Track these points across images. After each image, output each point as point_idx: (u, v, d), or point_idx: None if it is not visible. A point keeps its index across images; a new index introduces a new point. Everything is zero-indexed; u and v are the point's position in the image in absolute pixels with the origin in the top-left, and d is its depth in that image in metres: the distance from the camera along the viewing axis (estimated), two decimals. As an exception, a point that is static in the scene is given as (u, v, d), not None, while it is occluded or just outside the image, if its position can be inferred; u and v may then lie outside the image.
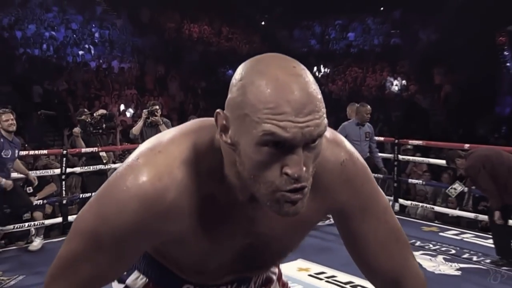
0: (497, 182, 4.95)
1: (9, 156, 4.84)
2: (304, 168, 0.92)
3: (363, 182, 1.17)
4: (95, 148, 6.58)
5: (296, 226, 1.15)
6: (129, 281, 1.31)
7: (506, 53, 16.27)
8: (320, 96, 0.94)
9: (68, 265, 1.09)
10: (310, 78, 0.94)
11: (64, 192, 6.12)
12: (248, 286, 1.34)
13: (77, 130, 6.67)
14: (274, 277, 1.45)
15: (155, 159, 1.03)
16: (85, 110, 7.52)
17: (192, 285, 1.27)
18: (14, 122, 4.92)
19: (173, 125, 6.93)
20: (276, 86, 0.90)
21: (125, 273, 1.29)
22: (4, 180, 5.07)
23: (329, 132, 1.12)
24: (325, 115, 0.94)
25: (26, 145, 7.94)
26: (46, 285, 1.12)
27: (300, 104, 0.89)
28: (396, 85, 16.49)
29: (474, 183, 5.51)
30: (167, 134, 1.11)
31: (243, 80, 0.93)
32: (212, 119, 1.01)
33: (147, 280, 1.29)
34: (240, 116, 0.92)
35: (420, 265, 1.42)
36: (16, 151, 5.00)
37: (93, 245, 1.05)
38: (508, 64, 16.14)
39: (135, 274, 1.30)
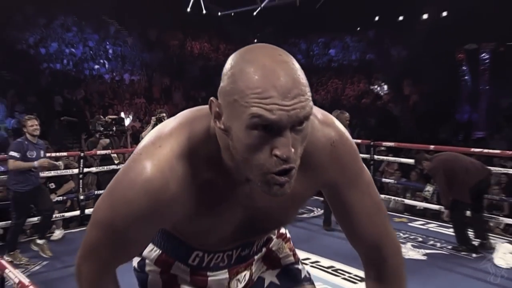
0: (456, 181, 5.00)
1: (34, 157, 4.81)
2: (293, 150, 0.89)
3: (350, 160, 1.14)
4: (108, 151, 6.63)
5: (291, 200, 1.12)
6: (145, 253, 1.31)
7: (464, 68, 16.38)
8: (305, 81, 0.90)
9: (91, 250, 1.11)
10: (296, 65, 0.91)
11: (81, 189, 6.14)
12: (251, 249, 1.34)
13: (103, 142, 6.75)
14: (274, 236, 1.44)
15: (156, 153, 1.00)
16: (100, 116, 7.55)
17: (201, 252, 1.26)
18: (38, 127, 4.90)
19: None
20: (263, 72, 0.87)
21: None
22: (36, 162, 5.03)
23: (320, 114, 1.11)
24: (310, 99, 0.90)
25: (49, 147, 7.90)
26: (77, 266, 1.15)
27: (286, 88, 0.86)
28: (376, 92, 16.59)
29: (435, 182, 5.66)
30: (166, 126, 1.08)
31: (232, 69, 0.90)
32: (207, 107, 0.99)
33: (160, 251, 1.29)
34: (231, 102, 0.89)
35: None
36: (41, 152, 4.96)
37: (108, 233, 1.05)
38: (466, 77, 16.26)
39: (150, 246, 1.30)
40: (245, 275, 1.37)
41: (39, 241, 4.96)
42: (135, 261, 1.35)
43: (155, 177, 0.98)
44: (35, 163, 4.87)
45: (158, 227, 1.12)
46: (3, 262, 2.28)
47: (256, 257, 1.39)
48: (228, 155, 0.99)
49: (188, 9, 18.31)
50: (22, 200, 4.90)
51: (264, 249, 1.42)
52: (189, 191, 1.02)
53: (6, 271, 2.17)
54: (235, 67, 0.90)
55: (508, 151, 6.75)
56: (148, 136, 1.06)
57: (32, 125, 4.80)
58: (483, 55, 16.03)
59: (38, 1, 15.47)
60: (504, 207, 6.53)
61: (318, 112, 1.11)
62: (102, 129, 6.93)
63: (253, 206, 1.11)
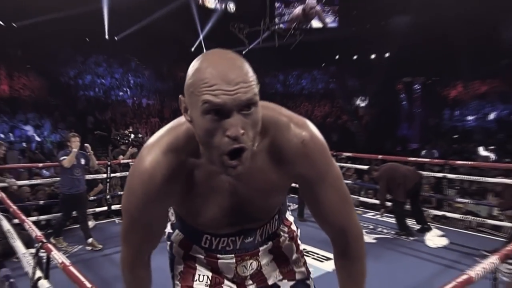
0: (395, 185, 5.06)
1: (75, 163, 4.69)
2: (242, 131, 0.83)
3: (319, 157, 1.03)
4: (130, 160, 6.47)
5: (268, 188, 1.06)
6: (172, 237, 1.28)
7: (402, 95, 16.55)
8: (249, 73, 0.86)
9: (123, 236, 1.11)
10: (242, 61, 0.87)
11: (108, 190, 6.07)
12: (254, 238, 1.22)
13: (132, 150, 6.69)
14: (284, 234, 1.31)
15: (151, 150, 0.99)
16: (120, 130, 7.46)
17: (209, 235, 1.18)
18: (79, 143, 4.78)
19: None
20: (211, 66, 0.84)
21: (171, 230, 1.28)
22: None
23: (295, 117, 1.04)
24: (253, 86, 0.85)
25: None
26: (121, 244, 1.14)
27: (229, 77, 0.82)
28: (337, 114, 16.66)
29: (379, 186, 5.59)
30: (160, 130, 1.05)
31: (190, 68, 0.88)
32: (190, 132, 0.96)
33: (183, 236, 1.25)
34: (189, 94, 0.86)
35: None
36: (82, 160, 4.82)
37: (128, 219, 1.06)
38: (403, 103, 16.41)
39: (176, 232, 1.26)
40: (251, 264, 1.25)
41: (89, 240, 4.75)
42: (167, 244, 1.32)
43: (146, 170, 0.97)
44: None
45: (161, 208, 1.07)
46: (50, 245, 2.22)
47: (261, 248, 1.25)
48: (202, 146, 0.94)
49: (193, 49, 18.41)
50: (68, 201, 4.77)
51: (270, 243, 1.27)
52: (175, 179, 0.99)
53: (52, 253, 2.13)
54: (192, 66, 0.88)
55: (435, 159, 6.90)
56: (151, 138, 1.05)
57: (75, 141, 4.71)
58: (415, 86, 16.24)
59: (77, 44, 15.44)
60: (433, 201, 6.57)
61: (293, 116, 1.04)
62: (119, 138, 6.89)
63: (236, 192, 1.04)
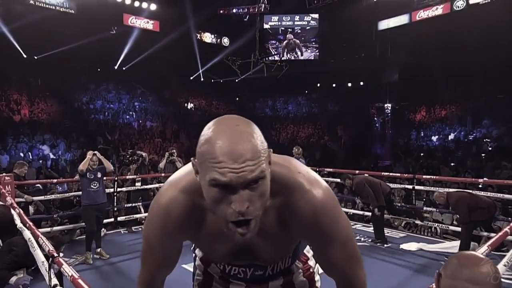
0: (376, 190, 5.09)
1: (92, 177, 4.62)
2: (248, 204, 0.77)
3: (330, 225, 0.94)
4: (134, 176, 6.36)
5: (277, 241, 0.99)
6: (196, 251, 1.24)
7: (375, 119, 16.78)
8: (259, 148, 0.77)
9: (142, 258, 1.08)
10: (253, 134, 0.78)
11: (115, 203, 5.95)
12: (265, 272, 1.12)
13: (132, 167, 6.62)
14: (299, 270, 1.18)
15: (170, 187, 0.96)
16: (128, 151, 7.39)
17: (223, 263, 1.14)
18: (96, 162, 4.71)
19: (183, 162, 6.97)
20: (221, 140, 0.76)
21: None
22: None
23: (308, 177, 0.94)
24: (262, 163, 0.77)
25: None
26: (140, 265, 1.10)
27: (236, 155, 0.75)
28: (319, 134, 16.79)
29: (360, 195, 5.59)
30: (182, 170, 1.00)
31: (202, 136, 0.81)
32: None
33: (202, 254, 1.20)
34: (200, 163, 0.80)
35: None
36: (99, 174, 4.68)
37: (148, 244, 1.03)
38: (376, 125, 16.62)
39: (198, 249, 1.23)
40: None
41: (98, 250, 4.64)
42: (193, 256, 1.27)
43: (163, 205, 0.95)
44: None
45: (175, 241, 1.02)
46: (61, 259, 2.16)
47: (271, 282, 1.14)
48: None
49: (191, 78, 18.56)
50: (87, 212, 4.62)
51: (282, 279, 1.15)
52: (188, 217, 0.94)
53: (63, 266, 2.07)
54: (204, 135, 0.80)
55: (405, 174, 7.02)
56: (173, 175, 1.00)
57: (93, 160, 4.68)
58: (386, 110, 16.51)
59: (90, 73, 15.50)
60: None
61: (306, 176, 0.93)
62: (122, 158, 6.87)
63: (245, 242, 0.92)
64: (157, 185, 6.63)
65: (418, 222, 5.77)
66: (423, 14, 14.83)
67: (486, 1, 13.01)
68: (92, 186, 4.65)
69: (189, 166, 0.95)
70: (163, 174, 6.54)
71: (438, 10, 14.40)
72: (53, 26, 12.93)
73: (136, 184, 6.30)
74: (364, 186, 5.09)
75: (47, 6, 13.04)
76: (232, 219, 0.78)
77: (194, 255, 1.27)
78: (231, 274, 1.14)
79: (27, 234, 3.04)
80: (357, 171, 6.38)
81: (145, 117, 15.89)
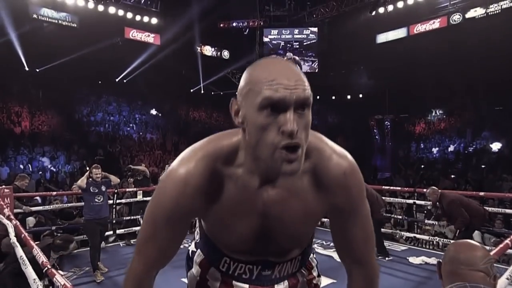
0: (372, 199, 4.93)
1: (96, 191, 4.51)
2: (297, 128, 0.75)
3: (357, 191, 0.93)
4: (134, 189, 6.29)
5: (301, 215, 0.92)
6: (195, 256, 1.14)
7: (375, 131, 16.83)
8: (305, 78, 0.79)
9: (143, 243, 0.94)
10: (297, 68, 0.81)
11: (114, 215, 5.89)
12: (272, 272, 1.05)
13: (130, 180, 6.59)
14: (303, 278, 1.13)
15: (186, 161, 0.88)
16: (130, 166, 7.34)
17: (228, 259, 1.04)
18: (100, 174, 4.60)
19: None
20: (270, 66, 0.79)
21: (194, 249, 1.13)
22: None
23: (336, 146, 0.94)
24: (309, 89, 0.78)
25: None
26: (134, 255, 0.96)
27: (288, 75, 0.76)
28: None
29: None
30: (198, 142, 0.94)
31: (246, 71, 0.82)
32: (231, 130, 0.90)
33: (203, 256, 1.10)
34: (246, 93, 0.79)
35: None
36: (103, 187, 4.57)
37: (153, 226, 0.91)
38: (376, 137, 16.68)
39: (198, 252, 1.12)
40: None
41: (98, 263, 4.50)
42: (188, 260, 1.16)
43: (183, 175, 0.86)
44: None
45: (187, 217, 0.92)
46: (54, 270, 2.16)
47: (276, 286, 1.07)
48: (248, 154, 0.84)
49: (192, 90, 18.67)
50: (91, 227, 4.50)
51: (286, 282, 1.08)
52: (208, 185, 0.87)
53: (56, 277, 2.05)
54: (249, 70, 0.82)
55: (405, 188, 7.00)
56: (182, 153, 0.93)
57: (96, 173, 4.57)
58: (386, 122, 16.56)
59: (91, 86, 15.59)
60: (405, 224, 6.65)
61: (336, 147, 0.94)
62: (126, 171, 6.83)
63: (268, 215, 0.90)
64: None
65: (419, 236, 5.73)
66: (420, 28, 15.05)
67: (482, 15, 13.20)
68: (96, 200, 4.53)
69: (200, 143, 0.93)
70: None
71: (435, 24, 14.63)
72: (55, 39, 13.08)
73: (138, 196, 6.25)
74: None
75: (50, 20, 13.21)
76: (282, 143, 0.75)
77: (190, 262, 1.15)
78: (235, 275, 1.05)
79: (19, 251, 3.01)
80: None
81: (145, 129, 15.92)
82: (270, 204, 0.89)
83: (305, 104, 0.77)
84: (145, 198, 6.34)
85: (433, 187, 5.01)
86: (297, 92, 0.75)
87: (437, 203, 4.74)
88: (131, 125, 15.76)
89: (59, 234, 5.00)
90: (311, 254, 1.18)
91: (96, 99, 15.83)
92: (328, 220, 1.05)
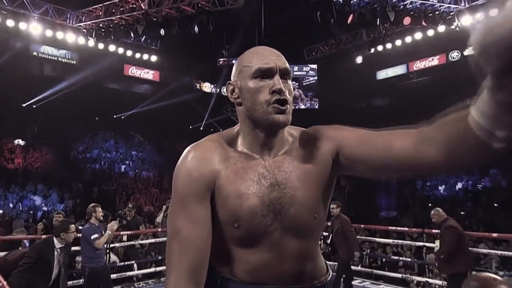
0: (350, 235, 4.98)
1: (98, 235, 4.18)
2: (283, 89, 0.93)
3: (338, 127, 1.01)
4: (128, 232, 6.01)
5: (308, 176, 0.96)
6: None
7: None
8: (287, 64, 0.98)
9: (169, 261, 0.91)
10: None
11: (106, 260, 5.67)
12: None
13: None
14: None
15: (193, 144, 1.01)
16: (124, 209, 7.13)
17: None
18: (102, 213, 4.35)
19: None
20: (256, 50, 0.99)
21: None
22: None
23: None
24: (287, 63, 0.97)
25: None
26: (167, 273, 0.91)
27: (271, 52, 0.97)
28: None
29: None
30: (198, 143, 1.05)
31: (237, 61, 1.01)
32: (228, 130, 1.05)
33: None
34: (240, 71, 0.98)
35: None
36: (103, 232, 4.33)
37: (182, 205, 0.93)
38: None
39: None
40: None
41: None
42: None
43: (191, 148, 0.99)
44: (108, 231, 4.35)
45: (204, 187, 0.94)
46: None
47: None
48: (245, 125, 0.99)
49: (191, 127, 18.81)
50: (94, 276, 4.17)
51: None
52: (215, 156, 0.97)
53: None
54: (239, 58, 1.01)
55: (413, 229, 6.86)
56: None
57: (101, 211, 4.30)
58: (390, 159, 16.58)
59: (88, 122, 15.76)
60: (415, 267, 6.46)
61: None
62: (121, 214, 6.56)
63: (275, 183, 0.95)
64: (153, 240, 6.40)
65: (431, 280, 5.51)
66: (419, 65, 15.48)
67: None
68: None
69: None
70: (159, 229, 6.22)
71: (434, 61, 15.06)
72: (53, 75, 13.37)
73: (123, 238, 6.03)
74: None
75: (49, 57, 13.59)
76: (273, 99, 0.93)
77: None
78: None
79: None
80: (362, 225, 6.23)
81: (142, 167, 15.88)
82: (273, 169, 0.97)
83: (287, 73, 0.97)
84: (140, 242, 6.13)
85: (439, 208, 4.77)
86: (280, 63, 0.96)
87: (440, 225, 4.51)
88: (127, 162, 15.73)
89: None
90: None
91: (93, 136, 15.92)
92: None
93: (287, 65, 0.97)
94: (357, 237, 5.74)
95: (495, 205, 10.89)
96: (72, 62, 14.06)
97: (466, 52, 13.94)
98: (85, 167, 13.95)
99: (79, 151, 14.78)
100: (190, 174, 0.95)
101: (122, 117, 17.02)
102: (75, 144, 14.96)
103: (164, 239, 6.27)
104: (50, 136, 14.07)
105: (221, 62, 18.41)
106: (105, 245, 5.60)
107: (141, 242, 6.17)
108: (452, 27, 11.02)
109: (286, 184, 0.95)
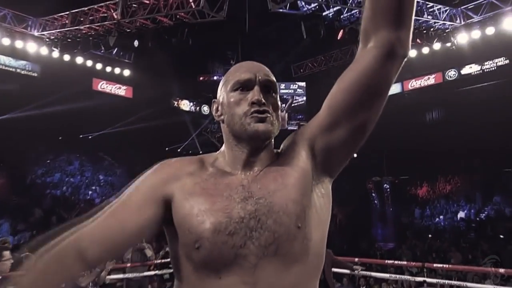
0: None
1: None
2: (263, 101, 0.98)
3: (304, 126, 1.13)
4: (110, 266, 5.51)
5: (282, 183, 0.97)
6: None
7: (373, 195, 16.86)
8: (273, 77, 1.05)
9: (109, 210, 1.07)
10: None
11: None
12: None
13: None
14: None
15: (169, 159, 1.10)
16: None
17: None
18: None
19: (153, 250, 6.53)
20: (243, 62, 1.06)
21: None
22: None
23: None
24: (273, 77, 1.04)
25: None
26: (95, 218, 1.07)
27: (253, 64, 1.04)
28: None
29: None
30: None
31: (227, 73, 1.08)
32: (212, 153, 1.08)
33: None
34: (222, 85, 1.06)
35: None
36: None
37: (131, 189, 1.09)
38: (375, 201, 16.65)
39: None
40: None
41: None
42: None
43: (167, 162, 1.08)
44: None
45: (167, 188, 1.01)
46: None
47: None
48: (228, 143, 1.04)
49: (167, 149, 18.54)
50: None
51: None
52: (188, 173, 1.01)
53: None
54: (229, 70, 1.08)
55: (412, 263, 6.74)
56: None
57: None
58: (385, 185, 16.67)
59: (49, 142, 15.31)
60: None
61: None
62: None
63: (250, 197, 0.95)
64: (122, 275, 6.08)
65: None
66: (415, 84, 15.75)
67: (478, 72, 13.94)
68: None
69: None
70: (129, 264, 6.03)
71: (430, 80, 15.36)
72: (9, 88, 12.99)
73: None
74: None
75: (6, 68, 13.23)
76: (251, 110, 0.97)
77: None
78: None
79: None
80: (356, 259, 6.08)
81: (111, 192, 15.46)
82: (249, 184, 0.98)
83: (270, 85, 1.02)
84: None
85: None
86: (260, 74, 1.01)
87: None
88: (93, 187, 15.30)
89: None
90: None
91: (55, 157, 15.47)
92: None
93: (271, 77, 1.03)
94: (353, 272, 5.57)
95: (501, 236, 10.89)
96: (33, 74, 13.75)
97: (463, 71, 14.31)
98: (44, 193, 13.47)
99: (38, 175, 14.30)
100: (150, 177, 1.05)
101: (90, 137, 16.63)
102: (33, 167, 14.47)
103: (133, 275, 6.01)
104: (3, 157, 13.55)
105: (201, 78, 18.41)
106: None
107: (109, 277, 5.85)
108: (448, 44, 11.30)
109: (262, 193, 0.96)
